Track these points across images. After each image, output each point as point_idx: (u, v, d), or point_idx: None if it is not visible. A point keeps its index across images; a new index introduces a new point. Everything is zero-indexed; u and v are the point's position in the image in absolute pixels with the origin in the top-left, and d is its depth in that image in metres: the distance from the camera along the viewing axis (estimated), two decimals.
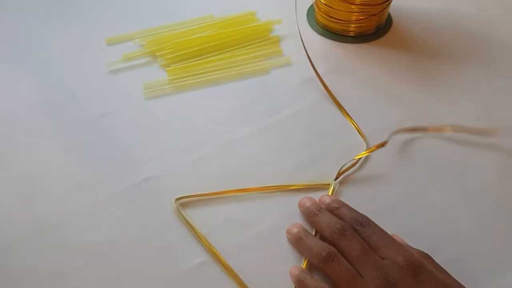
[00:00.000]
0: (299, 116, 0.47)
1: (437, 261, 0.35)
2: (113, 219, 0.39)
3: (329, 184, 0.41)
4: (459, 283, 0.33)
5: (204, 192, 0.40)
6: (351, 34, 0.55)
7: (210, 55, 0.53)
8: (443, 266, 0.34)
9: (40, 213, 0.40)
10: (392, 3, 0.55)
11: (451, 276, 0.34)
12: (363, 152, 0.43)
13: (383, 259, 0.34)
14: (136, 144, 0.45)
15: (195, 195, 0.40)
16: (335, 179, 0.42)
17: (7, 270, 0.36)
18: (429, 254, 0.35)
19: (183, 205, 0.40)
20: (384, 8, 0.53)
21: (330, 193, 0.41)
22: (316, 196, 0.40)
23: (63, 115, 0.47)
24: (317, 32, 0.56)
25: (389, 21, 0.57)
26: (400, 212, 0.40)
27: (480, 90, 0.49)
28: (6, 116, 0.47)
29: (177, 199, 0.40)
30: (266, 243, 0.38)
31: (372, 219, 0.37)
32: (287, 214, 0.40)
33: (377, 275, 0.32)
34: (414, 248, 0.36)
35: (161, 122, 0.47)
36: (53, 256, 0.37)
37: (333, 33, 0.56)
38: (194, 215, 0.40)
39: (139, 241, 0.38)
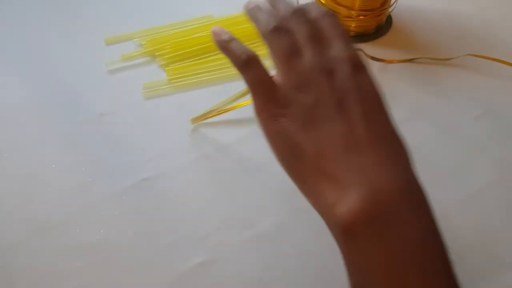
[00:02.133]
0: None
1: None
2: (112, 219, 0.39)
3: None
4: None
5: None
6: (351, 33, 0.55)
7: (210, 55, 0.53)
8: None
9: (39, 213, 0.40)
10: (392, 3, 0.55)
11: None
12: None
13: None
14: (136, 144, 0.45)
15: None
16: None
17: (7, 270, 0.36)
18: None
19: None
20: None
21: None
22: None
23: (62, 115, 0.47)
24: None
25: (389, 21, 0.57)
26: None
27: (480, 90, 0.49)
28: (5, 116, 0.47)
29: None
30: None
31: None
32: None
33: (317, 58, 0.29)
34: None
35: (160, 122, 0.47)
36: (52, 256, 0.37)
37: None
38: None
39: (138, 241, 0.38)
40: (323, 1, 0.54)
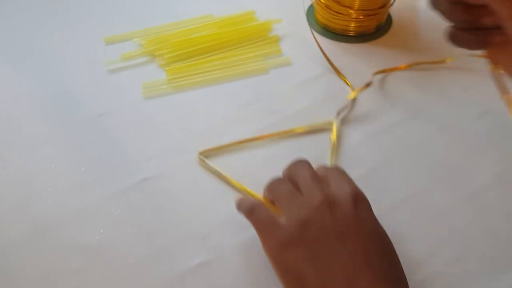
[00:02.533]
0: (299, 115, 0.47)
1: (437, 261, 0.35)
2: (112, 219, 0.39)
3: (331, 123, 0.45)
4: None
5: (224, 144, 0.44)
6: (351, 33, 0.55)
7: (209, 54, 0.53)
8: (443, 266, 0.35)
9: (39, 213, 0.39)
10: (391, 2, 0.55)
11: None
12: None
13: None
14: (136, 144, 0.45)
15: (216, 147, 0.44)
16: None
17: (6, 270, 0.36)
18: (428, 254, 0.35)
19: (206, 157, 0.43)
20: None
21: (333, 132, 0.44)
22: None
23: (61, 115, 0.47)
24: (317, 31, 0.56)
25: (389, 21, 0.57)
26: (401, 213, 0.40)
27: (480, 90, 0.49)
28: (4, 116, 0.47)
29: (201, 152, 0.43)
30: None
31: None
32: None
33: (317, 192, 0.32)
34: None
35: (160, 122, 0.47)
36: (52, 256, 0.37)
37: (333, 32, 0.56)
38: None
39: (138, 241, 0.38)
40: (323, 1, 0.54)
